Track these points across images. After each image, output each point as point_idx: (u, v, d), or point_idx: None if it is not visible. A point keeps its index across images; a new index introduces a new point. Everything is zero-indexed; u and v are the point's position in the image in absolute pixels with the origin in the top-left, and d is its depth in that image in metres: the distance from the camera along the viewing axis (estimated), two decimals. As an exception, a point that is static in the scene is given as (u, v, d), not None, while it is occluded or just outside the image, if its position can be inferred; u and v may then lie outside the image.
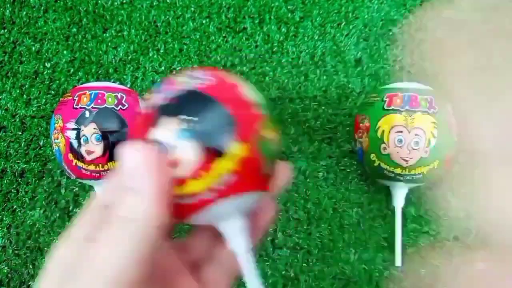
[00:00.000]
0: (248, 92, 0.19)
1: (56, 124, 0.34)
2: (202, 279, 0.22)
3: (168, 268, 0.21)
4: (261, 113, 0.19)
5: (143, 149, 0.17)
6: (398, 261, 0.38)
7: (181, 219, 0.19)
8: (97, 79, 0.43)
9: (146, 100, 0.19)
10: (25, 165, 0.41)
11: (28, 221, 0.39)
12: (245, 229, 0.20)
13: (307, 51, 0.44)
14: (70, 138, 0.33)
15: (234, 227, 0.19)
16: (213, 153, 0.17)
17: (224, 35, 0.45)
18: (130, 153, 0.17)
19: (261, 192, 0.19)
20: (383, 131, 0.34)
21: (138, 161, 0.17)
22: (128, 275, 0.16)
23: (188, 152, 0.17)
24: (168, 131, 0.17)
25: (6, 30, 0.45)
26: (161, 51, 0.44)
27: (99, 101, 0.34)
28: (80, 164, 0.34)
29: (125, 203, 0.17)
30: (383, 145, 0.34)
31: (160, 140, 0.17)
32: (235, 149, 0.17)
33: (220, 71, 0.20)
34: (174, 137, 0.17)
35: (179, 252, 0.22)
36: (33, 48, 0.44)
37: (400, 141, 0.33)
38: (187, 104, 0.18)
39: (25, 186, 0.40)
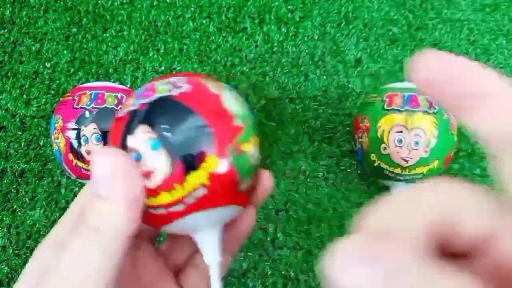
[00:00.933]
0: (229, 102, 0.19)
1: (56, 124, 0.34)
2: (182, 284, 0.22)
3: (150, 273, 0.21)
4: (240, 125, 0.18)
5: (115, 156, 0.16)
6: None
7: (154, 228, 0.19)
8: (97, 79, 0.43)
9: (125, 104, 0.19)
10: (25, 165, 0.41)
11: (28, 221, 0.39)
12: (217, 241, 0.19)
13: (307, 51, 0.44)
14: (70, 138, 0.33)
15: (206, 239, 0.19)
16: (186, 166, 0.17)
17: (224, 35, 0.45)
18: (102, 160, 0.16)
19: (236, 207, 0.19)
20: (383, 131, 0.34)
21: (110, 168, 0.16)
22: (92, 286, 0.15)
23: (160, 163, 0.17)
24: (143, 139, 0.17)
25: (6, 30, 0.45)
26: (161, 51, 0.44)
27: (99, 101, 0.34)
28: (80, 164, 0.34)
29: (93, 211, 0.16)
30: (383, 145, 0.34)
31: (134, 148, 0.17)
32: (209, 163, 0.17)
33: (204, 78, 0.19)
34: (148, 146, 0.17)
35: (161, 258, 0.22)
36: (33, 48, 0.44)
37: (400, 141, 0.33)
38: (163, 112, 0.17)
39: (25, 186, 0.40)
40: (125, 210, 0.16)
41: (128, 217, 0.16)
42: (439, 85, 0.12)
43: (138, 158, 0.17)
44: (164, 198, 0.17)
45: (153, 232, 0.23)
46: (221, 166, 0.17)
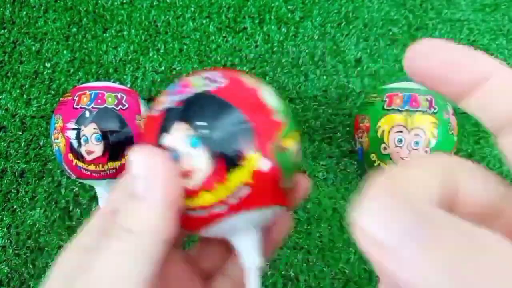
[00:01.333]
0: (268, 96, 0.18)
1: (56, 124, 0.34)
2: None
3: (179, 280, 0.20)
4: (280, 120, 0.17)
5: (154, 155, 0.16)
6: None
7: (191, 231, 0.18)
8: (97, 79, 0.43)
9: (159, 101, 0.18)
10: (25, 165, 0.41)
11: (28, 221, 0.39)
12: (257, 244, 0.18)
13: (307, 51, 0.44)
14: (70, 138, 0.33)
15: (245, 242, 0.18)
16: (228, 164, 0.16)
17: (224, 35, 0.45)
18: (141, 158, 0.15)
19: (278, 207, 0.18)
20: (383, 131, 0.34)
21: (148, 168, 0.15)
22: None
23: (200, 161, 0.16)
24: (181, 137, 0.16)
25: (6, 30, 0.45)
26: (161, 51, 0.44)
27: (99, 101, 0.34)
28: (80, 164, 0.34)
29: (130, 213, 0.15)
30: (383, 145, 0.34)
31: (172, 146, 0.16)
32: (252, 160, 0.16)
33: (238, 73, 0.18)
34: (186, 144, 0.16)
35: (190, 263, 0.22)
36: (33, 48, 0.44)
37: (400, 141, 0.33)
38: (201, 108, 0.16)
39: (25, 186, 0.40)
40: (163, 212, 0.15)
41: (165, 220, 0.15)
42: (434, 72, 0.13)
43: (176, 157, 0.16)
44: (205, 199, 0.16)
45: (182, 236, 0.22)
46: (264, 163, 0.16)
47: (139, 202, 0.15)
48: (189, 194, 0.16)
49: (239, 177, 0.16)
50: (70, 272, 0.15)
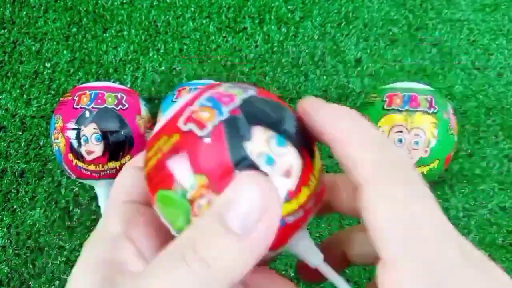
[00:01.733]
0: None
1: (56, 124, 0.34)
2: None
3: None
4: None
5: (270, 191, 0.14)
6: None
7: (276, 248, 0.16)
8: (97, 79, 0.43)
9: (200, 121, 0.16)
10: (25, 165, 0.41)
11: (28, 221, 0.39)
12: (310, 238, 0.18)
13: (307, 51, 0.44)
14: (70, 138, 0.33)
15: (304, 241, 0.17)
16: (310, 153, 0.17)
17: (224, 35, 0.45)
18: (253, 191, 0.14)
19: None
20: (383, 131, 0.34)
21: (258, 206, 0.13)
22: None
23: (293, 157, 0.16)
24: (265, 140, 0.15)
25: (6, 30, 0.45)
26: (161, 51, 0.44)
27: (99, 101, 0.34)
28: (80, 164, 0.34)
29: (214, 245, 0.13)
30: (383, 145, 0.34)
31: (259, 152, 0.15)
32: (317, 147, 0.17)
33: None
34: (273, 144, 0.15)
35: None
36: (33, 48, 0.44)
37: (400, 141, 0.33)
38: (264, 110, 0.16)
39: (25, 186, 0.40)
40: (253, 258, 0.13)
41: (253, 261, 0.13)
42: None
43: (271, 161, 0.15)
44: (304, 195, 0.16)
45: None
46: (318, 149, 0.17)
47: (231, 239, 0.13)
48: (292, 196, 0.15)
49: (318, 164, 0.17)
50: (104, 264, 0.15)
